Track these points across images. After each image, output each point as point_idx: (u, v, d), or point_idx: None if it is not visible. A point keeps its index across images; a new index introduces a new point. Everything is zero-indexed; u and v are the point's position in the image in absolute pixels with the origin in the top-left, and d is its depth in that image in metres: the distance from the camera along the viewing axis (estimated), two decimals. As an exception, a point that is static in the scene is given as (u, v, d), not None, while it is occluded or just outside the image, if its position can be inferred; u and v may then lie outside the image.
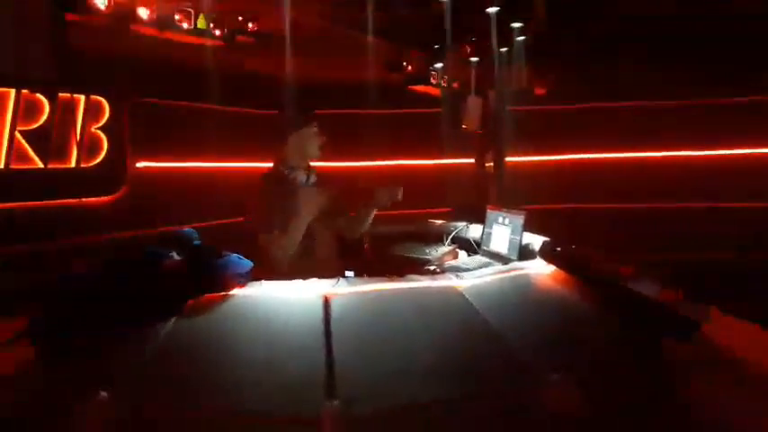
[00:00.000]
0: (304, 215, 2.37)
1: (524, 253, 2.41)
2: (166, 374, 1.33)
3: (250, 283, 1.66)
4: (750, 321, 1.40)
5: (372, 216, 2.56)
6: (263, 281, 1.69)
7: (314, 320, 1.49)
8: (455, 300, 1.69)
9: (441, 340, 1.48)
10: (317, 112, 2.57)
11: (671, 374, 1.31)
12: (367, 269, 2.74)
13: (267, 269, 2.09)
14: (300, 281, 1.72)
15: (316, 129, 2.52)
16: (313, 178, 2.55)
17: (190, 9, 3.60)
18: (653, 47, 5.02)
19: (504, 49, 4.93)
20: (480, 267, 2.33)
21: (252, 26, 3.79)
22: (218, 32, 3.78)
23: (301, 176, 2.49)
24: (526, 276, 1.96)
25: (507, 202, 2.69)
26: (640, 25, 4.84)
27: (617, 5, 4.60)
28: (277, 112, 2.67)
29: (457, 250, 2.97)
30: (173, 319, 1.49)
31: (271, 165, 2.53)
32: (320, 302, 1.57)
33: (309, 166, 2.56)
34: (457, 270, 2.33)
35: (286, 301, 1.60)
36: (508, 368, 1.38)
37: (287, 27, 3.60)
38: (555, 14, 4.16)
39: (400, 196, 2.47)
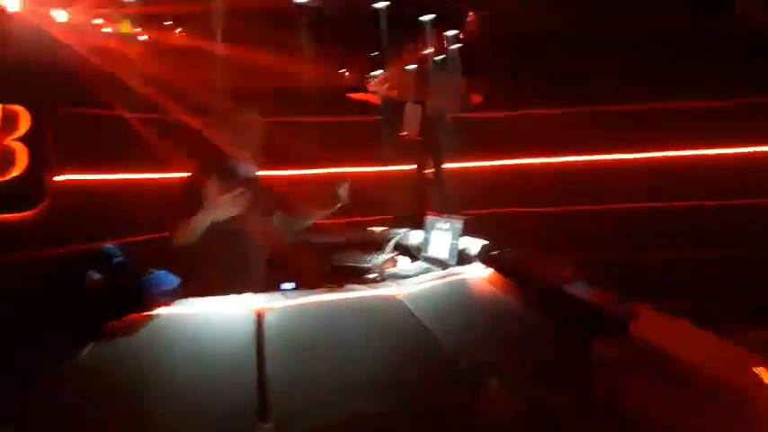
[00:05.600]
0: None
1: (463, 257, 2.41)
2: (83, 404, 1.22)
3: (177, 301, 1.57)
4: (679, 317, 1.42)
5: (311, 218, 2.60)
6: (190, 298, 1.60)
7: (246, 338, 1.42)
8: (395, 308, 1.66)
9: (380, 350, 1.43)
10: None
11: (603, 373, 1.31)
12: (306, 280, 2.68)
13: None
14: (232, 296, 1.64)
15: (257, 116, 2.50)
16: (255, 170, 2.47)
17: (112, 13, 3.43)
18: (585, 53, 5.16)
19: (441, 57, 4.98)
20: (420, 274, 2.31)
21: (181, 31, 3.65)
22: (144, 38, 3.62)
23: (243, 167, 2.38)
24: (464, 281, 1.95)
25: (447, 208, 2.69)
26: (573, 32, 4.97)
27: (548, 14, 4.72)
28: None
29: (397, 257, 2.94)
30: (91, 344, 1.38)
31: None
32: (253, 318, 1.50)
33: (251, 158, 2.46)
34: (397, 277, 2.31)
35: (215, 318, 1.52)
36: (447, 375, 1.35)
37: (218, 33, 3.49)
38: (488, 23, 4.24)
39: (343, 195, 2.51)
